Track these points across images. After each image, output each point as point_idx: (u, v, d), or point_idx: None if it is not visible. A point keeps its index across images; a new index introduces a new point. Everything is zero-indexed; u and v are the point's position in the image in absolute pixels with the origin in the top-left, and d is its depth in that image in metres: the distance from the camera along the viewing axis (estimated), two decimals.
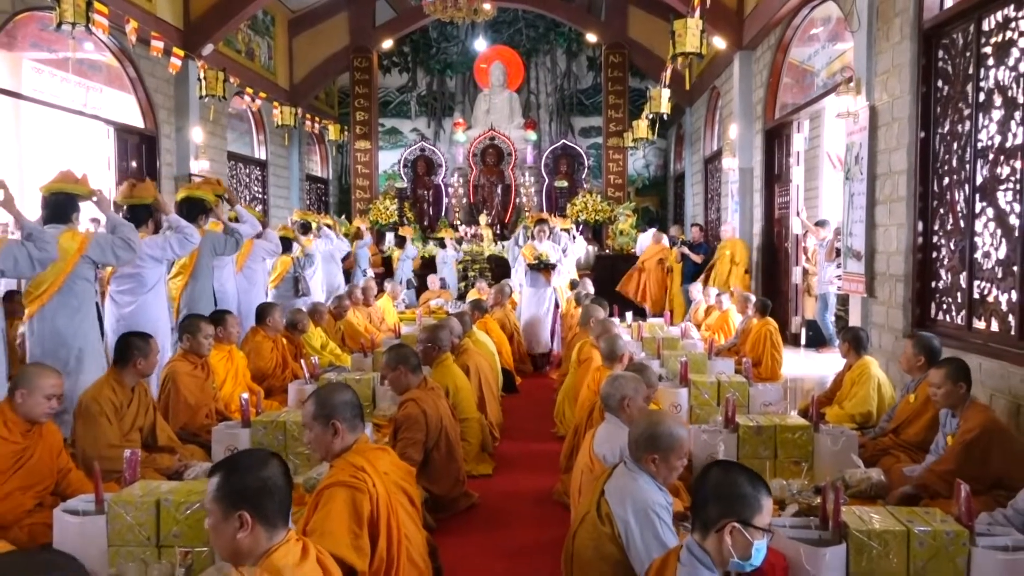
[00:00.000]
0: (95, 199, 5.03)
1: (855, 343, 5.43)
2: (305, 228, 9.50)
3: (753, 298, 8.41)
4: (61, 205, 4.86)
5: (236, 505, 1.92)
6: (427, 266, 13.90)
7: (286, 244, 8.27)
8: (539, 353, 9.18)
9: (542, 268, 9.03)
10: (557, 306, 9.38)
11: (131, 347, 4.19)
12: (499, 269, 13.47)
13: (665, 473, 2.75)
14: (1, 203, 4.49)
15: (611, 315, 7.67)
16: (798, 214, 10.23)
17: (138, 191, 5.61)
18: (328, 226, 10.54)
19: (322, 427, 2.79)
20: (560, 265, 9.22)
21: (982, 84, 5.40)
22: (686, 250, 11.94)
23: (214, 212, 6.21)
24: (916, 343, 4.64)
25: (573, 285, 9.91)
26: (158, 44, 8.60)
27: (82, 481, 3.70)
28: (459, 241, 14.22)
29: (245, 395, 4.60)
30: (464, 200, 16.86)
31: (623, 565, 2.64)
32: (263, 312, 6.30)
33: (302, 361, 5.95)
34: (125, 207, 5.68)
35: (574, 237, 11.44)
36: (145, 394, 4.34)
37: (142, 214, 5.58)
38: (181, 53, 9.36)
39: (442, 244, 13.77)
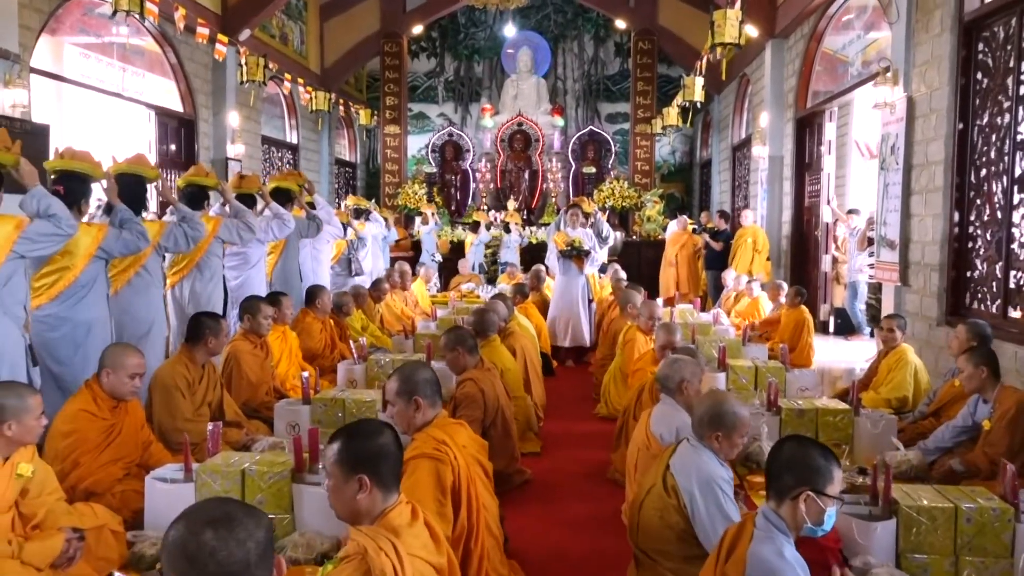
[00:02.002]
0: (221, 189, 5.87)
1: (891, 330, 5.56)
2: (358, 213, 9.91)
3: (785, 286, 8.53)
4: (195, 195, 5.72)
5: (356, 469, 2.11)
6: (457, 251, 14.06)
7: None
8: (568, 347, 8.56)
9: (574, 255, 8.48)
10: (591, 300, 8.77)
11: (203, 326, 4.41)
12: (528, 254, 13.64)
13: (727, 450, 2.93)
14: (160, 192, 5.22)
15: None
16: (828, 203, 10.32)
17: (245, 183, 6.42)
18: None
19: (405, 403, 2.98)
20: (595, 252, 8.63)
21: (1022, 78, 5.49)
22: (707, 238, 12.03)
23: (297, 200, 6.90)
24: (969, 329, 4.78)
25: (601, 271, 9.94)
26: (204, 31, 8.79)
27: (162, 452, 3.92)
28: (547, 225, 14.35)
29: (306, 373, 4.80)
30: (492, 185, 17.02)
31: (687, 534, 2.83)
32: (312, 294, 6.52)
33: (351, 343, 6.16)
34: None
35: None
36: (213, 371, 4.56)
37: (249, 203, 6.27)
38: (225, 40, 9.54)
39: (507, 228, 13.87)
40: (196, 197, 5.71)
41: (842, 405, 4.60)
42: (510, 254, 13.23)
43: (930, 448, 4.18)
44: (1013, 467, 3.02)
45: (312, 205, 7.30)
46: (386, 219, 12.50)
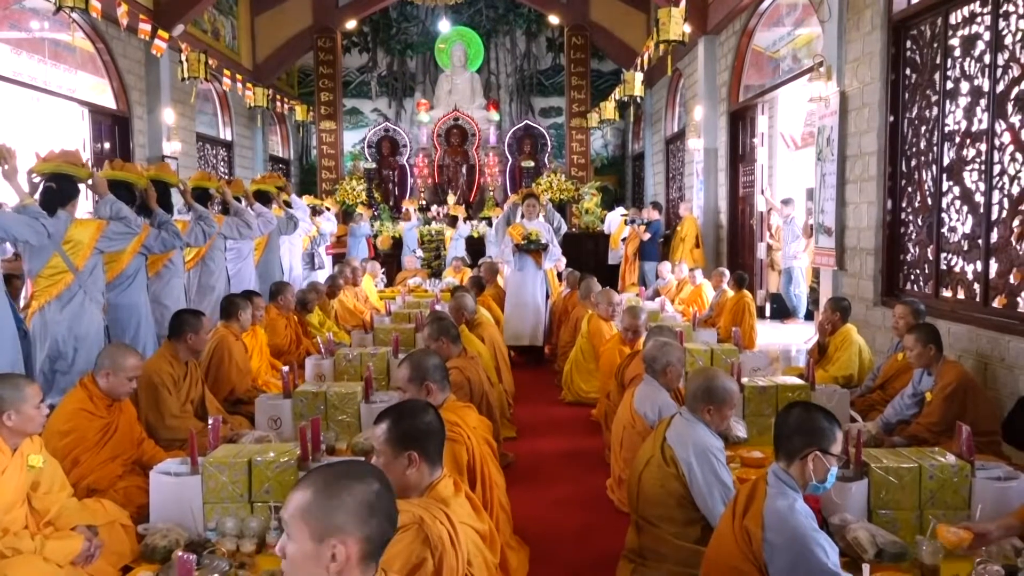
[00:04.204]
0: (221, 191, 6.65)
1: (840, 312, 5.93)
2: (315, 211, 10.25)
3: (727, 273, 8.91)
4: (200, 197, 6.42)
5: (406, 446, 2.25)
6: (398, 245, 14.12)
7: None
8: (526, 347, 8.19)
9: (532, 249, 8.00)
10: (548, 295, 8.33)
11: (184, 323, 4.45)
12: (469, 247, 13.78)
13: (718, 421, 3.17)
14: (181, 194, 6.08)
15: None
16: (762, 192, 10.78)
17: (231, 188, 7.07)
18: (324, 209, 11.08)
19: (416, 388, 3.12)
20: (552, 246, 8.14)
21: (949, 73, 5.92)
22: (638, 228, 12.43)
23: (276, 200, 7.54)
24: (912, 309, 5.15)
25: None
26: (146, 27, 8.64)
27: (155, 448, 3.95)
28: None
29: (286, 368, 4.87)
30: (429, 180, 17.08)
31: (686, 500, 3.06)
32: (276, 291, 6.55)
33: (318, 338, 6.22)
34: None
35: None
36: (196, 369, 4.60)
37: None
38: (166, 36, 9.38)
39: (489, 223, 13.89)
40: (200, 199, 6.40)
41: (800, 382, 4.91)
42: (492, 248, 13.31)
43: (891, 421, 4.52)
44: (968, 428, 3.35)
45: (288, 204, 7.73)
46: (360, 214, 12.76)
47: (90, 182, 4.91)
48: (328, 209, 13.15)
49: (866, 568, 2.57)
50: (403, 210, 14.81)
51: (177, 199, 6.39)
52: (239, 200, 6.87)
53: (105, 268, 4.92)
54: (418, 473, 2.25)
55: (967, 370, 4.67)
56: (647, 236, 12.17)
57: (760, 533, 2.30)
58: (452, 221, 13.77)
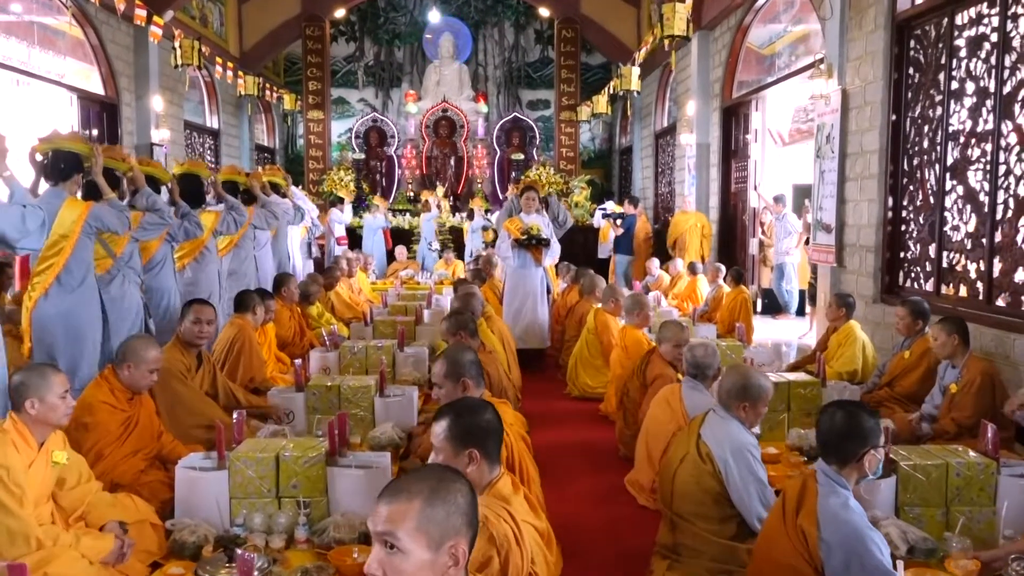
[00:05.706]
0: (250, 184, 7.18)
1: (846, 308, 5.98)
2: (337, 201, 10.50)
3: (723, 268, 8.96)
4: (232, 189, 6.95)
5: (466, 444, 2.24)
6: (394, 237, 14.06)
7: None
8: (530, 348, 7.56)
9: (532, 245, 7.49)
10: (548, 292, 7.86)
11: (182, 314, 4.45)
12: (459, 240, 13.75)
13: (752, 418, 3.19)
14: (212, 187, 6.62)
15: None
16: (755, 188, 10.84)
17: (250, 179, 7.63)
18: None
19: (453, 384, 3.10)
20: (554, 242, 7.67)
21: (954, 73, 5.97)
22: (612, 224, 12.52)
23: (284, 192, 8.00)
24: (910, 310, 5.21)
25: None
26: (142, 13, 8.50)
27: (174, 443, 3.90)
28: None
29: (299, 361, 4.84)
30: (417, 172, 17.00)
31: (722, 496, 3.08)
32: (279, 282, 6.51)
33: (323, 330, 6.18)
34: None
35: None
36: (208, 362, 4.55)
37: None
38: (161, 22, 9.24)
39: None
40: (233, 191, 6.91)
41: (811, 378, 4.95)
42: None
43: (926, 414, 4.60)
44: (994, 426, 3.40)
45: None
46: (377, 206, 13.32)
47: (130, 175, 5.29)
48: (342, 200, 13.12)
49: (900, 564, 2.60)
50: (422, 200, 14.84)
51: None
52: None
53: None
54: (478, 471, 2.24)
55: (992, 364, 4.73)
56: (620, 231, 12.25)
57: (816, 532, 2.32)
58: (470, 214, 13.74)
